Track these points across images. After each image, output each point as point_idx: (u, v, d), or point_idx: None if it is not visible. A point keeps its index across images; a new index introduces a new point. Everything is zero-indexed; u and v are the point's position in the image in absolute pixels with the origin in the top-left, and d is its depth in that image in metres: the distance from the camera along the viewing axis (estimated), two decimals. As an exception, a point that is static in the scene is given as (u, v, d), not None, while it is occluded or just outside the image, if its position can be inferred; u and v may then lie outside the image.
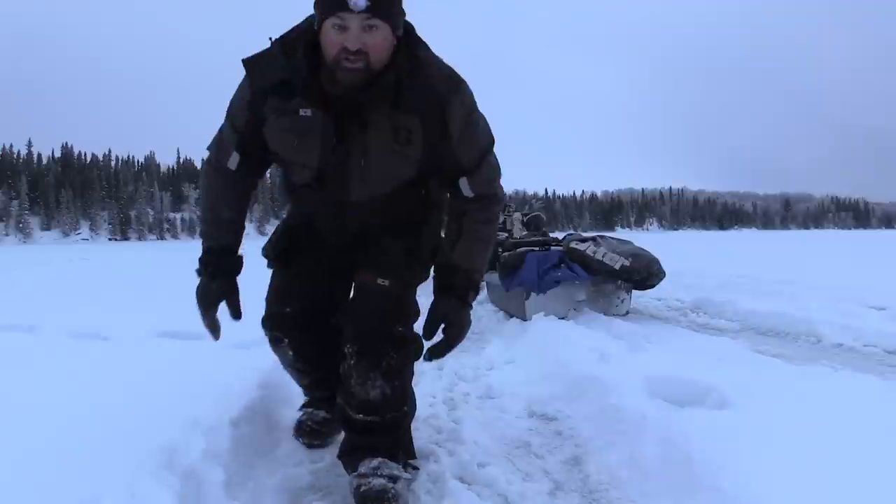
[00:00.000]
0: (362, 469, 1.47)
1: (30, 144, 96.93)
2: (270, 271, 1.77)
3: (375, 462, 1.47)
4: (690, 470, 1.57)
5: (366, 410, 1.50)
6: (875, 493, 1.37)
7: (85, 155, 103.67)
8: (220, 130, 1.59)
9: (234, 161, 1.56)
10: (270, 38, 1.47)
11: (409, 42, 1.42)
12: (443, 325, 1.54)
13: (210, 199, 1.61)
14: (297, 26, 1.47)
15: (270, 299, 1.71)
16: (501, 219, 8.29)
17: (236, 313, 1.61)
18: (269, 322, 1.70)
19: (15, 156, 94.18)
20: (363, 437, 1.53)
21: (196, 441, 1.49)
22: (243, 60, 1.48)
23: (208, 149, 1.63)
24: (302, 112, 1.42)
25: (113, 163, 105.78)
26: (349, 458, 1.55)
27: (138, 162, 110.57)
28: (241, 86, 1.52)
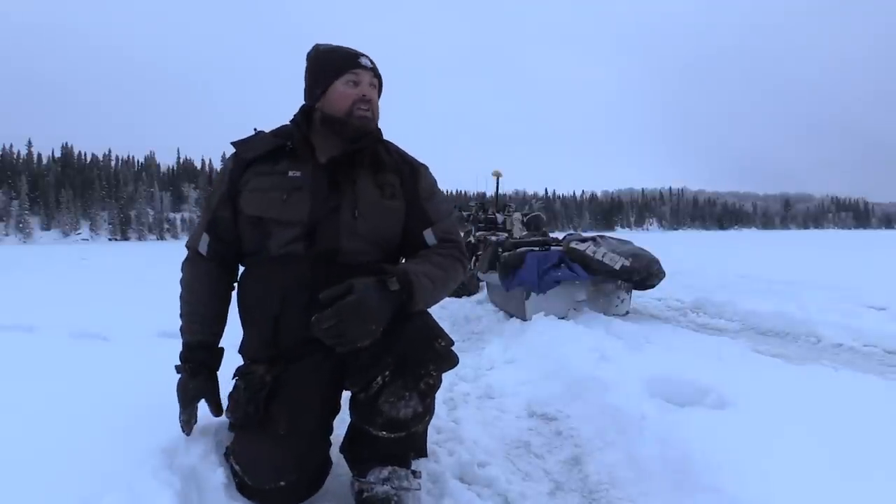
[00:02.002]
0: (371, 478, 1.43)
1: (30, 144, 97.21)
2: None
3: (385, 472, 1.43)
4: (689, 470, 1.57)
5: (391, 428, 1.39)
6: (875, 492, 1.38)
7: (85, 155, 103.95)
8: (196, 220, 1.67)
9: (203, 244, 1.56)
10: (255, 129, 1.61)
11: (380, 134, 1.64)
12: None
13: (185, 291, 1.57)
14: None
15: (251, 469, 1.40)
16: (501, 219, 8.29)
17: (217, 410, 1.52)
18: (252, 496, 1.40)
19: (15, 156, 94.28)
20: (380, 450, 1.44)
21: (196, 441, 1.49)
22: (232, 142, 1.58)
23: (186, 245, 1.64)
24: (291, 173, 1.49)
25: (113, 163, 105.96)
26: (357, 463, 1.50)
27: (138, 162, 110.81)
28: (225, 163, 1.60)
